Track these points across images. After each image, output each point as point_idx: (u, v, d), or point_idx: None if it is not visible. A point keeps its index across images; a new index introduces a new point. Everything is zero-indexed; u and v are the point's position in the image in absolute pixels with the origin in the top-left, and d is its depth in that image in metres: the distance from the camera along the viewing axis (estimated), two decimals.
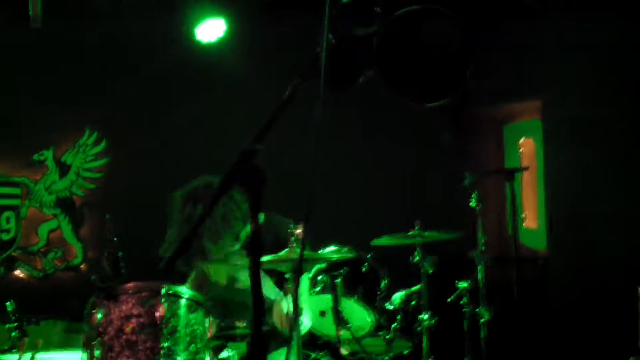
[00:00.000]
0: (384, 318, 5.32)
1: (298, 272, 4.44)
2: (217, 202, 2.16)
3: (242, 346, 4.42)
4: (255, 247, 2.03)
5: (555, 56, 6.67)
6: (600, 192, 6.46)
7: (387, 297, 5.37)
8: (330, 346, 5.16)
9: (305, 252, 4.46)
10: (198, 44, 6.74)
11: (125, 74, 6.92)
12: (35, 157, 7.00)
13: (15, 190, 6.97)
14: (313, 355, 5.05)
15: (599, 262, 6.41)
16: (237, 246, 4.81)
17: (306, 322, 4.83)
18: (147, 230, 5.33)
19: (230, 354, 4.34)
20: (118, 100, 6.94)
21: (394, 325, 5.32)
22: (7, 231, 6.93)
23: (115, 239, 4.28)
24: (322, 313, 5.15)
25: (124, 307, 3.94)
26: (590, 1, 6.46)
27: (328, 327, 5.09)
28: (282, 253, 4.43)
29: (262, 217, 4.78)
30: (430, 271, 5.38)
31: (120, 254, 4.20)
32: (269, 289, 4.83)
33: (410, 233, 5.41)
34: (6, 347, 4.69)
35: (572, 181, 6.60)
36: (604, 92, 6.36)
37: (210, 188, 4.76)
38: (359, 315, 5.26)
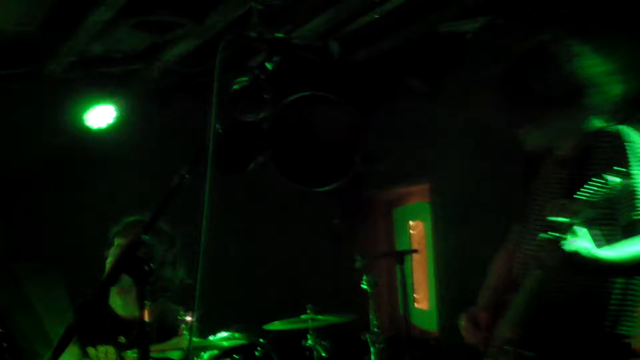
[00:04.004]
0: None
1: None
2: (104, 291, 2.14)
3: None
4: (142, 338, 2.01)
5: (442, 139, 6.85)
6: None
7: None
8: None
9: (196, 340, 4.41)
10: (88, 130, 6.69)
11: (10, 159, 6.78)
12: None
13: None
14: None
15: None
16: None
17: None
18: None
19: None
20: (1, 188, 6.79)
21: None
22: None
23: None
24: None
25: None
26: (477, 86, 6.68)
27: None
28: (172, 341, 4.37)
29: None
30: (324, 354, 5.37)
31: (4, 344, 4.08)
32: None
33: (302, 317, 5.41)
34: None
35: (461, 263, 6.73)
36: (488, 175, 6.54)
37: (140, 223, 4.72)
38: None
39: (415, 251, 6.75)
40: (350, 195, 7.76)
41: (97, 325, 4.60)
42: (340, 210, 7.67)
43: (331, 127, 5.00)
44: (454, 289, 6.90)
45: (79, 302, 4.68)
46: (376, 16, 5.60)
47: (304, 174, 5.04)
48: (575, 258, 2.86)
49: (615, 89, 3.23)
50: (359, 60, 6.59)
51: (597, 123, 3.26)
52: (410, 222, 7.90)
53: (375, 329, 5.57)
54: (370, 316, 5.60)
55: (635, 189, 3.06)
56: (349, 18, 5.74)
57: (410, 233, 7.89)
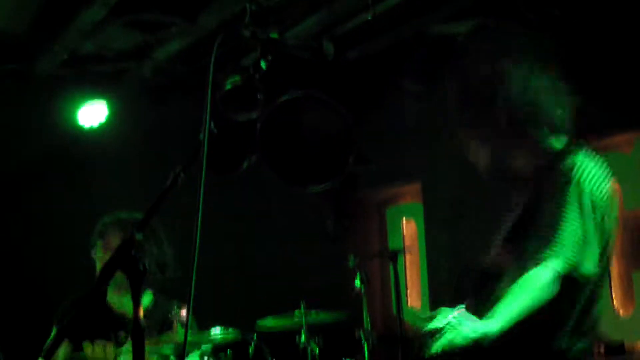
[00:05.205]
0: None
1: (182, 355, 4.38)
2: (100, 288, 2.15)
3: None
4: (136, 334, 2.02)
5: (434, 139, 6.86)
6: None
7: None
8: None
9: (190, 334, 4.42)
10: (80, 129, 6.66)
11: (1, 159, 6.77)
12: None
13: None
14: None
15: None
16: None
17: None
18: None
19: None
20: None
21: None
22: None
23: None
24: None
25: None
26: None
27: None
28: (166, 335, 4.38)
29: (150, 297, 4.74)
30: (317, 351, 5.39)
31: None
32: None
33: (296, 314, 5.42)
34: None
35: (452, 261, 6.74)
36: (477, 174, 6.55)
37: (119, 221, 4.72)
38: None
39: (408, 251, 6.77)
40: (343, 195, 7.77)
41: (95, 321, 4.61)
42: (333, 210, 7.68)
43: (324, 128, 5.00)
44: (444, 288, 6.92)
45: (75, 298, 4.69)
46: (369, 17, 5.60)
47: (297, 174, 5.03)
48: (479, 342, 2.72)
49: (562, 110, 3.06)
50: (352, 60, 6.60)
51: (557, 144, 3.09)
52: (404, 221, 7.92)
53: (368, 326, 5.59)
54: (363, 313, 5.62)
55: (562, 227, 2.85)
56: (341, 19, 5.75)
57: (403, 232, 7.90)
